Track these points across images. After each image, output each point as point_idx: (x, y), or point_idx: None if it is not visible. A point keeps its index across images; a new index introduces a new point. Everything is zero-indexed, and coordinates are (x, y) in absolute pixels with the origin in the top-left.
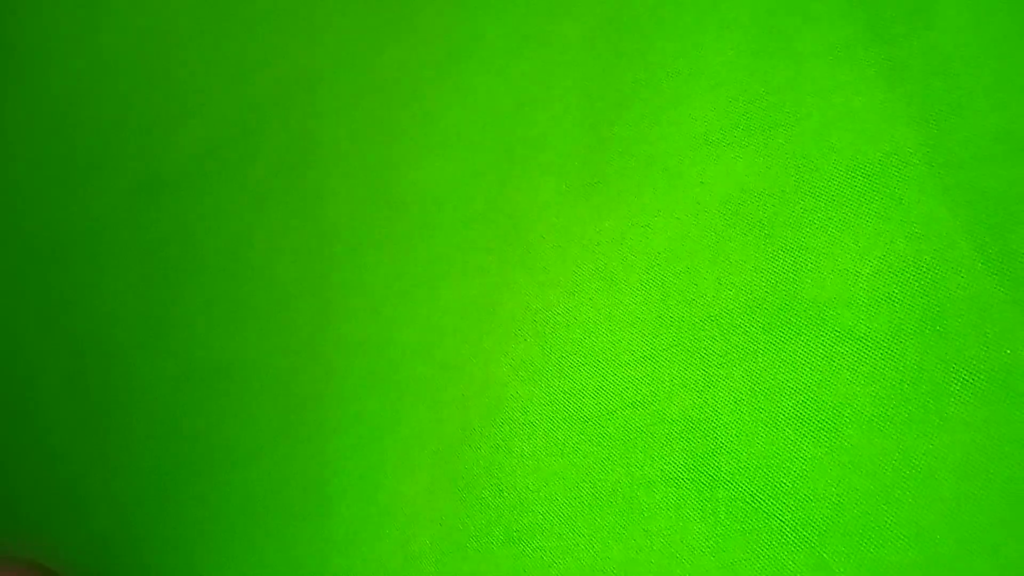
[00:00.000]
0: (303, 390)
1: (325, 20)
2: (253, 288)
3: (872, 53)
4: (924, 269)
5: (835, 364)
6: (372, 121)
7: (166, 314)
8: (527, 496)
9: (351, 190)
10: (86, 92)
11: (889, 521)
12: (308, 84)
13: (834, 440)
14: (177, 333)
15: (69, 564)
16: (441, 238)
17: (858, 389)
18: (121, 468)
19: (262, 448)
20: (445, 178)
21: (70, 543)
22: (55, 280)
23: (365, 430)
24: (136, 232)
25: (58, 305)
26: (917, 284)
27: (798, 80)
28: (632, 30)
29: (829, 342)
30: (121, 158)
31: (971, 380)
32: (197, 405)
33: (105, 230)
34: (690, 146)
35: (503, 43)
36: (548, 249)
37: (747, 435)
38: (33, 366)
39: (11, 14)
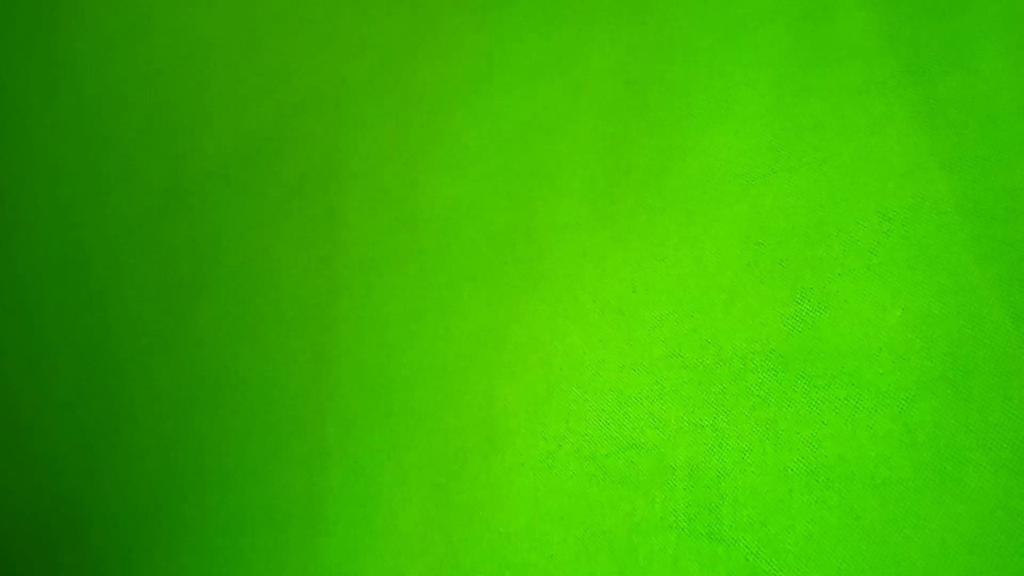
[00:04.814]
0: (305, 409)
1: (353, 37)
2: (264, 302)
3: (906, 93)
4: (949, 324)
5: (849, 419)
6: (393, 138)
7: (177, 324)
8: (522, 535)
9: (368, 207)
10: (114, 102)
11: None
12: (333, 99)
13: (842, 501)
14: (186, 344)
15: None
16: (454, 262)
17: (871, 448)
18: (118, 479)
19: (260, 466)
20: (462, 200)
21: (62, 554)
22: (71, 283)
23: (364, 455)
24: (154, 240)
25: (72, 309)
26: (941, 340)
27: (828, 118)
28: (660, 60)
29: (844, 395)
30: (144, 168)
31: (993, 448)
32: (198, 418)
33: (124, 237)
34: (713, 181)
35: (530, 67)
36: (561, 278)
37: (752, 488)
38: (41, 368)
39: (52, 28)
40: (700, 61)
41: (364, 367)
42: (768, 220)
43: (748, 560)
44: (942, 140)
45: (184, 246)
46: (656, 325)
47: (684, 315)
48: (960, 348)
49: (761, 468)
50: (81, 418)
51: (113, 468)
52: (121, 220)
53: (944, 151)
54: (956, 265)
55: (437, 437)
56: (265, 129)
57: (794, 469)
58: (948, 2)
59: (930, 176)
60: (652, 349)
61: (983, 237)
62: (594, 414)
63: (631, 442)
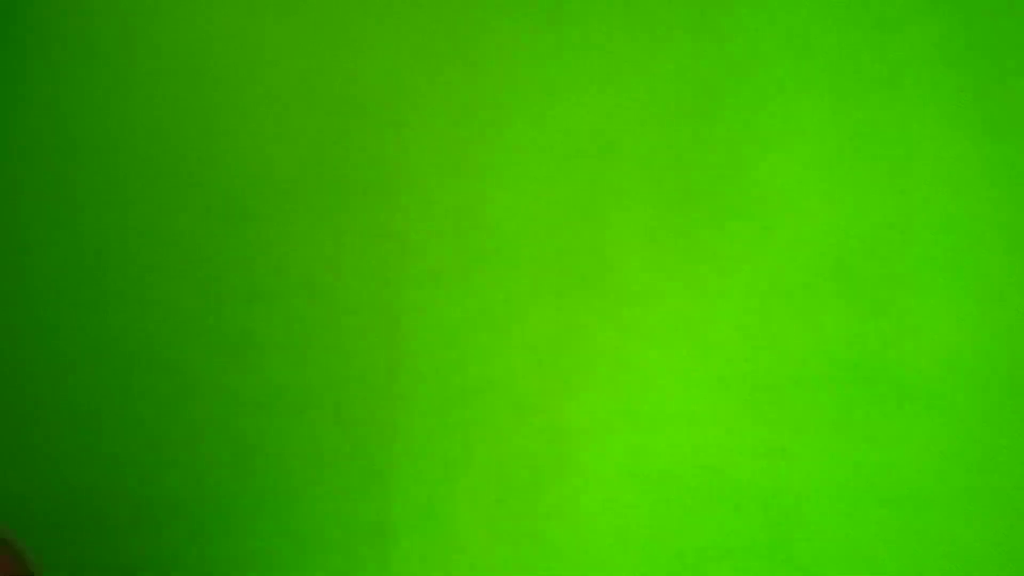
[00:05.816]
0: (372, 421)
1: (415, 44)
2: (328, 314)
3: (982, 105)
4: None
5: (927, 443)
6: (455, 149)
7: (242, 337)
8: (590, 554)
9: (432, 217)
10: (169, 107)
11: None
12: (394, 107)
13: (921, 526)
14: (252, 357)
15: None
16: (520, 274)
17: (950, 473)
18: (185, 492)
19: (326, 480)
20: (528, 212)
21: (117, 572)
22: (129, 293)
23: (432, 468)
24: (214, 251)
25: (135, 321)
26: (1021, 358)
27: (902, 131)
28: (727, 72)
29: (922, 418)
30: (202, 176)
31: None
32: (265, 431)
33: (183, 247)
34: (785, 195)
35: (595, 78)
36: (630, 294)
37: (826, 512)
38: (108, 376)
39: (95, 25)
40: (766, 74)
41: (431, 381)
42: (843, 237)
43: None
44: (1012, 153)
45: (246, 256)
46: (727, 344)
47: (756, 335)
48: None
49: (835, 492)
50: (148, 430)
51: (180, 481)
52: (180, 231)
53: (1015, 165)
54: None
55: (505, 453)
56: (326, 136)
57: (869, 493)
58: (1017, 13)
59: (1000, 190)
60: (724, 369)
61: None
62: (664, 434)
63: (702, 464)
